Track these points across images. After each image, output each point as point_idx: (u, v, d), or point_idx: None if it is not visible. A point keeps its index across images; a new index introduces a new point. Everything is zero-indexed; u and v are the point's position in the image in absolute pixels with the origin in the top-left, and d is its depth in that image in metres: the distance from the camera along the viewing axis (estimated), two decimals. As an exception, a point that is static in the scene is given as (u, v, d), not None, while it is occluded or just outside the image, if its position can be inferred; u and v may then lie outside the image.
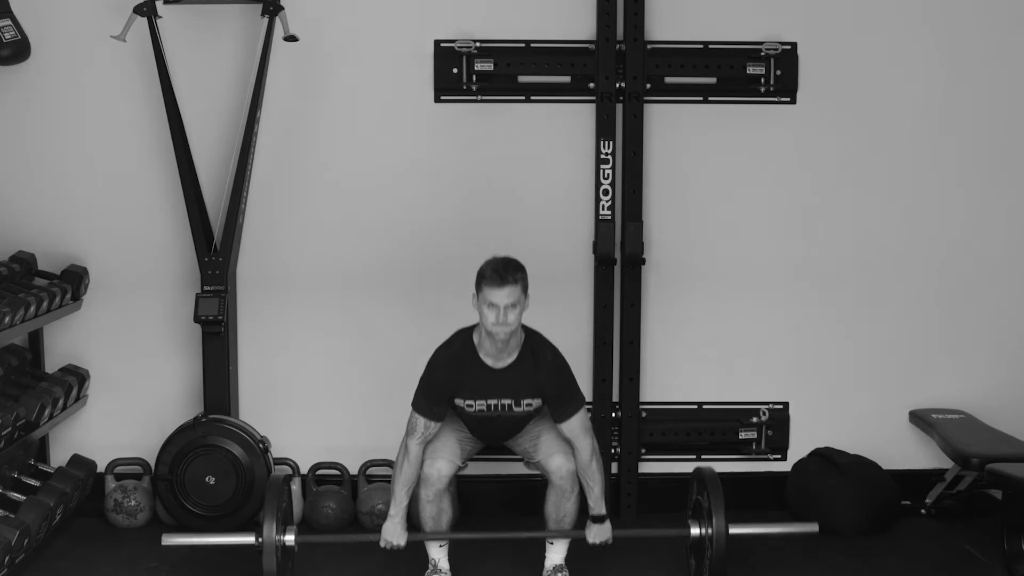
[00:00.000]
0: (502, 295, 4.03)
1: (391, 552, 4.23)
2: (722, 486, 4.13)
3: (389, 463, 4.99)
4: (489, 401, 4.18)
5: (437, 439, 4.24)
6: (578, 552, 4.34)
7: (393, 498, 4.20)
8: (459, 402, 4.20)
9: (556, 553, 4.33)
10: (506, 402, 4.19)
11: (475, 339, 4.17)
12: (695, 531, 4.25)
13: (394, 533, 4.19)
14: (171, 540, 4.25)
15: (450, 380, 4.16)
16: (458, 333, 4.22)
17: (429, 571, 4.31)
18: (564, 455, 4.20)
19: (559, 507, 4.25)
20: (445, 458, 4.20)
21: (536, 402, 4.20)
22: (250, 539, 4.14)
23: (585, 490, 4.21)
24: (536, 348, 4.17)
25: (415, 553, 4.39)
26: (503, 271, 4.05)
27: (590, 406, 5.03)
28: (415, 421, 4.16)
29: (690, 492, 4.37)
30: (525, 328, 4.19)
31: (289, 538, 4.17)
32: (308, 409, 5.05)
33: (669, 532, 4.42)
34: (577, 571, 4.36)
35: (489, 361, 4.15)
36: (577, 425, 4.15)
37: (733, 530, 4.14)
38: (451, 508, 4.30)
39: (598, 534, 4.21)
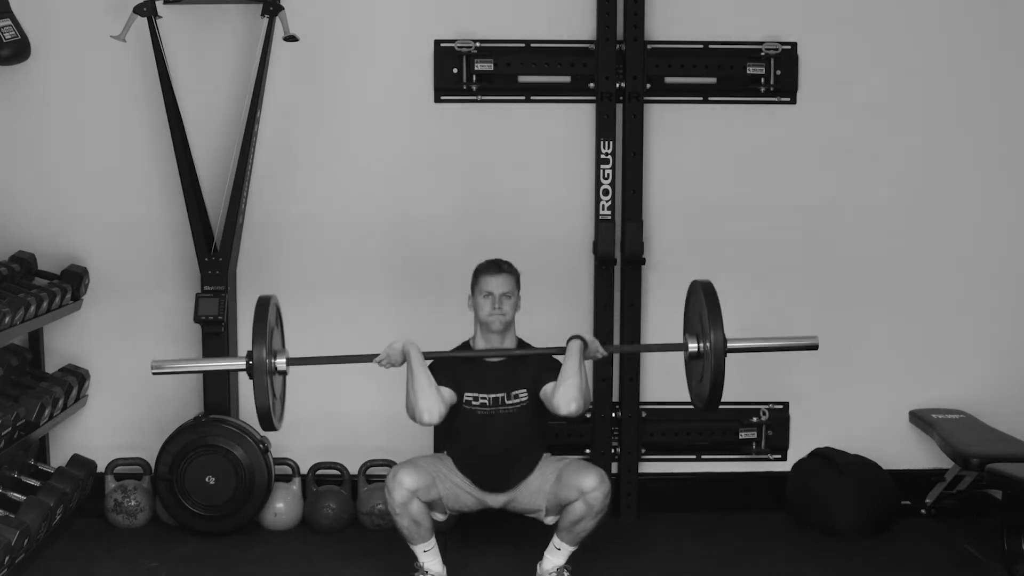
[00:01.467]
0: (498, 283, 4.21)
1: (390, 546, 4.21)
2: (723, 487, 4.13)
3: (389, 463, 4.99)
4: (489, 395, 4.22)
5: (415, 459, 4.30)
6: (578, 553, 4.34)
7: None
8: (467, 396, 4.22)
9: (560, 557, 4.29)
10: (500, 395, 4.22)
11: (470, 344, 4.32)
12: (692, 346, 4.14)
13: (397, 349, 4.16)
14: (162, 368, 4.15)
15: (453, 365, 4.22)
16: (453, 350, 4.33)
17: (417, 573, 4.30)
18: (599, 477, 4.17)
19: (582, 523, 4.20)
20: (410, 473, 4.17)
21: (523, 394, 4.22)
22: (241, 364, 4.03)
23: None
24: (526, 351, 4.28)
25: (414, 554, 4.38)
26: (498, 262, 4.29)
27: (590, 405, 5.03)
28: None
29: (686, 308, 4.25)
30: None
31: (280, 361, 4.09)
32: (308, 409, 5.05)
33: (667, 345, 4.33)
34: (576, 572, 4.36)
35: (485, 356, 4.25)
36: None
37: (731, 344, 4.00)
38: (426, 515, 4.22)
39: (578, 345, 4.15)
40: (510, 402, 4.24)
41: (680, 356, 5.10)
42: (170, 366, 4.29)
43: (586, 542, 4.27)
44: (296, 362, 4.14)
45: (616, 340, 5.02)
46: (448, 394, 4.18)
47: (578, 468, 4.22)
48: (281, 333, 4.24)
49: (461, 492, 4.31)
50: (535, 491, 4.29)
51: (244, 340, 5.00)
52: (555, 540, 4.28)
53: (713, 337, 3.96)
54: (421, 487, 4.18)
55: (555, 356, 4.24)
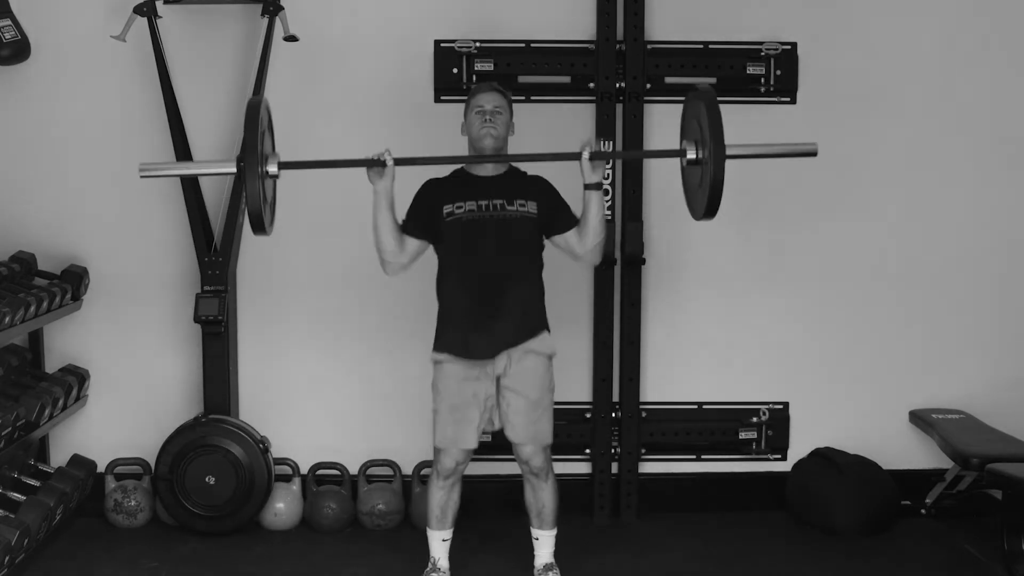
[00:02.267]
0: (489, 98, 4.17)
1: (390, 546, 4.21)
2: (723, 487, 4.13)
3: (389, 463, 5.00)
4: (479, 201, 4.14)
5: (448, 425, 4.17)
6: (578, 553, 4.34)
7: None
8: (447, 209, 4.14)
9: (544, 548, 4.31)
10: (497, 202, 4.15)
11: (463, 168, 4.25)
12: (691, 154, 4.04)
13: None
14: (149, 171, 4.09)
15: (436, 191, 4.18)
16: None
17: (428, 569, 4.31)
18: (534, 451, 4.18)
19: (536, 497, 4.26)
20: (460, 450, 4.18)
21: (531, 206, 4.16)
22: (232, 167, 3.99)
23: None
24: (524, 171, 4.25)
25: (414, 554, 4.39)
26: (491, 82, 4.29)
27: (590, 406, 5.03)
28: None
29: (683, 115, 4.16)
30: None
31: (271, 168, 4.01)
32: (308, 409, 5.05)
33: (665, 151, 4.28)
34: (575, 571, 4.35)
35: (477, 171, 4.20)
36: (575, 234, 4.18)
37: (731, 151, 3.90)
38: (459, 499, 4.27)
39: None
40: (511, 208, 4.15)
41: (680, 356, 5.13)
42: (158, 169, 4.17)
43: (583, 536, 4.27)
44: (287, 166, 4.05)
45: (616, 340, 5.02)
46: (414, 245, 4.16)
47: (520, 424, 4.16)
48: (272, 137, 4.14)
49: (480, 411, 4.17)
50: (513, 413, 4.17)
51: (244, 340, 5.01)
52: (532, 533, 4.31)
53: (712, 144, 3.86)
54: (469, 456, 4.21)
55: (564, 200, 4.19)
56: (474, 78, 4.93)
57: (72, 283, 4.83)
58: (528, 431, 4.18)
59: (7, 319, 4.28)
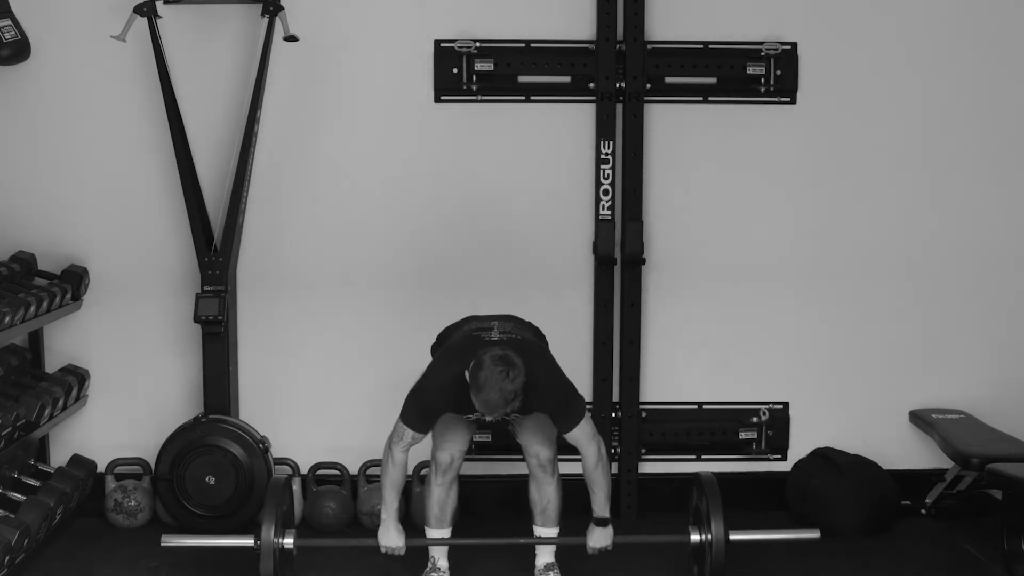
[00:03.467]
0: (496, 411, 3.93)
1: (390, 555, 4.23)
2: (723, 487, 4.13)
3: (389, 463, 5.00)
4: (486, 418, 4.05)
5: (443, 425, 4.19)
6: (578, 552, 4.34)
7: (384, 503, 4.17)
8: (457, 414, 4.16)
9: (545, 546, 4.31)
10: (502, 415, 4.06)
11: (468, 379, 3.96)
12: (695, 537, 4.25)
13: (390, 537, 4.18)
14: (171, 541, 4.26)
15: (445, 400, 4.06)
16: (450, 366, 4.01)
17: (428, 569, 4.31)
18: (542, 444, 4.19)
19: (541, 493, 4.25)
20: (456, 443, 4.19)
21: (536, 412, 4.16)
22: (248, 541, 4.14)
23: (589, 493, 4.18)
24: (529, 372, 3.90)
25: (415, 556, 4.38)
26: (496, 403, 3.86)
27: (590, 406, 5.03)
28: (402, 431, 4.07)
29: (691, 498, 4.37)
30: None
31: (288, 541, 4.17)
32: (308, 409, 5.05)
33: (670, 539, 4.41)
34: (575, 572, 4.35)
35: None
36: (580, 434, 4.09)
37: (733, 536, 4.14)
38: (456, 497, 4.28)
39: (598, 539, 4.20)
40: (520, 418, 4.15)
41: (680, 356, 5.13)
42: (179, 541, 4.32)
43: (579, 534, 4.26)
44: (303, 544, 4.25)
45: (616, 340, 5.01)
46: (420, 438, 4.12)
47: (531, 431, 4.18)
48: (292, 510, 4.36)
49: (462, 425, 4.21)
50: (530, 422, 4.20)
51: (244, 340, 5.00)
52: (535, 532, 4.31)
53: (715, 533, 4.09)
54: (467, 448, 4.22)
55: (562, 400, 4.09)
56: (474, 78, 4.93)
57: (72, 283, 4.83)
58: (538, 436, 4.21)
59: (7, 319, 4.28)
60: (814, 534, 4.31)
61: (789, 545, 4.76)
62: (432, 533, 4.29)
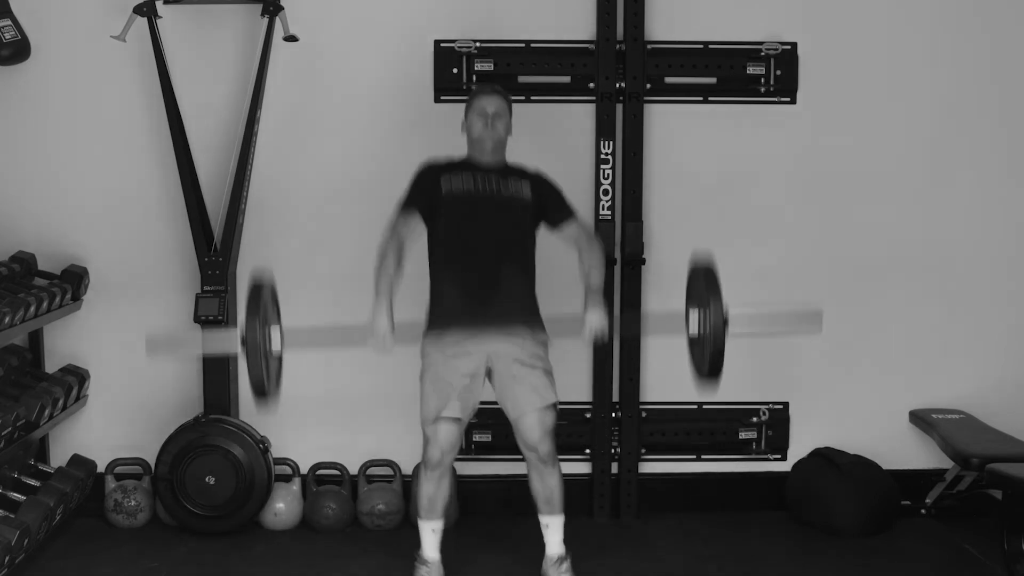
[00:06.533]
0: (492, 101, 4.25)
1: (390, 546, 4.22)
2: (723, 487, 4.13)
3: (389, 463, 5.00)
4: (476, 176, 4.24)
5: (433, 394, 4.17)
6: (578, 552, 4.34)
7: (377, 292, 4.19)
8: (445, 184, 4.22)
9: (555, 535, 4.30)
10: (493, 179, 4.24)
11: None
12: (693, 317, 4.12)
13: (380, 322, 4.15)
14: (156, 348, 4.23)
15: (434, 169, 4.28)
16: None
17: (417, 561, 4.29)
18: (542, 438, 4.17)
19: (544, 483, 4.24)
20: (446, 438, 4.17)
21: (526, 189, 4.24)
22: (236, 343, 4.05)
23: (584, 277, 4.22)
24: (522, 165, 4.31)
25: (414, 554, 4.38)
26: (492, 84, 4.38)
27: (590, 406, 5.03)
28: (394, 219, 4.24)
29: (689, 283, 4.22)
30: None
31: (275, 344, 4.08)
32: (308, 409, 5.05)
33: (669, 313, 4.34)
34: (575, 570, 4.36)
35: (477, 160, 4.29)
36: (577, 229, 4.28)
37: (733, 311, 4.00)
38: (448, 490, 4.27)
39: (597, 318, 4.18)
40: (509, 190, 4.24)
41: (680, 356, 5.12)
42: (166, 346, 4.33)
43: (583, 536, 4.28)
44: (291, 343, 4.13)
45: (616, 340, 5.01)
46: (416, 220, 4.24)
47: (528, 422, 4.17)
48: (277, 310, 4.20)
49: (464, 386, 4.17)
50: (509, 387, 4.18)
51: (244, 340, 5.00)
52: (541, 520, 4.30)
53: (713, 318, 3.96)
54: (457, 440, 4.20)
55: (562, 192, 4.31)
56: (474, 78, 4.94)
57: (72, 283, 4.83)
58: (530, 398, 4.16)
59: (7, 319, 4.28)
60: (816, 316, 4.25)
61: (789, 543, 4.78)
62: (424, 526, 4.28)
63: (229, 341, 4.19)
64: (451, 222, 4.22)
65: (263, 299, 4.03)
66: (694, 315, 4.11)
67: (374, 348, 4.14)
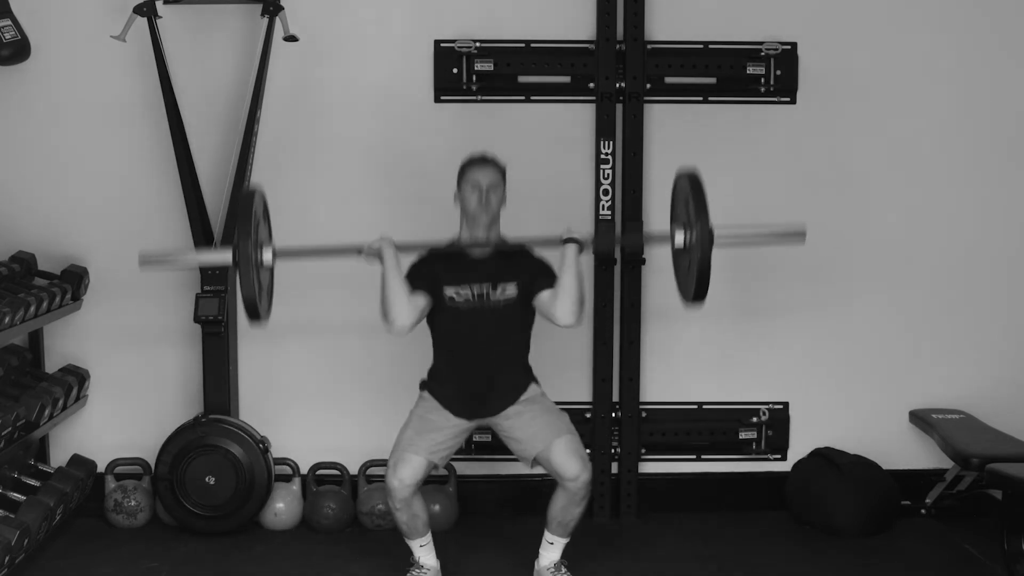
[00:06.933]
0: (485, 174, 4.21)
1: (390, 546, 4.21)
2: (723, 487, 4.12)
3: (389, 463, 5.00)
4: (472, 287, 4.19)
5: (414, 432, 4.20)
6: (578, 552, 4.34)
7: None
8: (448, 291, 4.19)
9: (555, 551, 4.30)
10: (487, 288, 4.19)
11: (456, 238, 4.29)
12: (679, 238, 4.09)
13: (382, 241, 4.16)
14: (148, 262, 4.22)
15: (434, 265, 4.22)
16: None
17: (410, 565, 4.29)
18: (581, 464, 4.15)
19: (567, 511, 4.21)
20: (408, 466, 4.15)
21: (511, 288, 4.19)
22: (227, 256, 4.05)
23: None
24: (513, 244, 4.27)
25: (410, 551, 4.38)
26: (484, 155, 4.28)
27: (590, 406, 5.03)
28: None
29: (672, 199, 4.21)
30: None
31: (266, 258, 4.10)
32: (308, 409, 5.05)
33: (655, 237, 4.35)
34: (575, 570, 4.36)
35: (470, 249, 4.24)
36: (550, 292, 4.18)
37: (718, 232, 3.95)
38: (424, 507, 4.24)
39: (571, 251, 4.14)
40: (497, 296, 4.20)
41: (680, 356, 5.12)
42: (158, 259, 4.32)
43: (583, 537, 4.28)
44: (283, 255, 4.15)
45: (616, 340, 5.02)
46: (423, 301, 4.17)
47: (562, 453, 4.15)
48: (268, 224, 4.21)
49: (448, 437, 4.22)
50: (521, 431, 4.21)
51: (244, 340, 5.00)
52: (547, 535, 4.28)
53: (699, 227, 3.92)
54: (421, 477, 4.17)
55: (546, 262, 4.22)
56: (474, 78, 4.93)
57: (72, 283, 4.83)
58: (555, 424, 4.19)
59: (7, 319, 4.28)
60: (800, 229, 4.19)
61: (789, 543, 4.78)
62: (412, 545, 4.27)
63: (222, 257, 4.18)
64: (450, 330, 4.25)
65: (254, 212, 4.01)
66: (680, 233, 4.08)
67: (369, 251, 4.18)
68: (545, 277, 4.20)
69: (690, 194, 3.99)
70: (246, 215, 4.00)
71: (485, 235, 4.22)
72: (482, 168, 4.24)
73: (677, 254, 4.16)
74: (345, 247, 4.21)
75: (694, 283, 3.97)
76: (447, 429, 4.24)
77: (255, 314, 4.02)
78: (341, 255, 4.24)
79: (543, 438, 4.18)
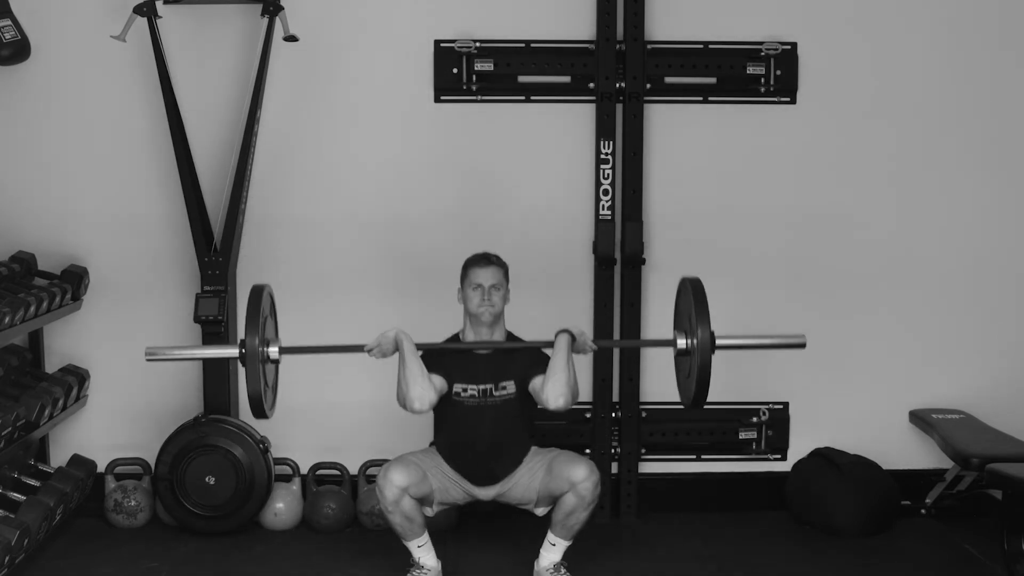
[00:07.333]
0: (487, 275, 4.26)
1: (390, 546, 4.21)
2: (722, 487, 4.12)
3: (389, 463, 5.00)
4: (479, 387, 4.24)
5: (403, 455, 4.31)
6: (578, 552, 4.34)
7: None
8: (457, 388, 4.25)
9: (556, 553, 4.31)
10: (488, 387, 4.25)
11: (459, 336, 4.36)
12: (681, 342, 4.15)
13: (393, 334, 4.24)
14: (156, 355, 4.24)
15: (443, 357, 4.27)
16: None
17: (410, 565, 4.30)
18: (588, 468, 4.20)
19: (574, 515, 4.22)
20: (399, 468, 4.20)
21: (510, 386, 4.25)
22: (234, 351, 4.11)
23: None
24: (514, 344, 4.33)
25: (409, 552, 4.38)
26: (487, 255, 4.33)
27: (590, 406, 5.03)
28: None
29: (676, 304, 4.27)
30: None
31: (273, 350, 4.13)
32: (308, 409, 5.05)
33: (657, 341, 4.41)
34: (575, 570, 4.36)
35: (475, 347, 4.30)
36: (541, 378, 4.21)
37: (720, 341, 4.03)
38: (416, 507, 4.24)
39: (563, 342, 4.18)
40: (497, 393, 4.26)
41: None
42: (164, 353, 4.37)
43: (582, 536, 4.28)
44: (289, 351, 4.20)
45: (616, 339, 5.01)
46: (439, 382, 4.22)
47: (568, 459, 4.24)
48: (275, 322, 4.27)
49: (451, 485, 4.32)
50: (525, 485, 4.30)
51: (244, 340, 5.00)
52: (549, 536, 4.29)
53: (700, 334, 3.98)
54: (412, 483, 4.19)
55: (544, 350, 4.26)
56: (474, 78, 4.93)
57: (72, 283, 4.83)
58: (543, 461, 4.27)
59: (7, 319, 4.28)
60: (800, 340, 4.24)
61: (789, 543, 4.78)
62: (411, 544, 4.28)
63: (228, 352, 4.27)
64: (453, 423, 4.31)
65: (262, 310, 4.08)
66: (681, 338, 4.17)
67: (384, 342, 4.24)
68: (538, 365, 4.24)
69: (692, 302, 4.06)
70: (254, 311, 4.04)
71: (489, 334, 4.28)
72: (484, 268, 4.28)
73: (679, 357, 4.24)
74: (351, 346, 4.27)
75: (694, 388, 4.08)
76: (453, 480, 4.33)
77: (260, 411, 4.06)
78: (347, 352, 4.29)
79: (540, 467, 4.28)
